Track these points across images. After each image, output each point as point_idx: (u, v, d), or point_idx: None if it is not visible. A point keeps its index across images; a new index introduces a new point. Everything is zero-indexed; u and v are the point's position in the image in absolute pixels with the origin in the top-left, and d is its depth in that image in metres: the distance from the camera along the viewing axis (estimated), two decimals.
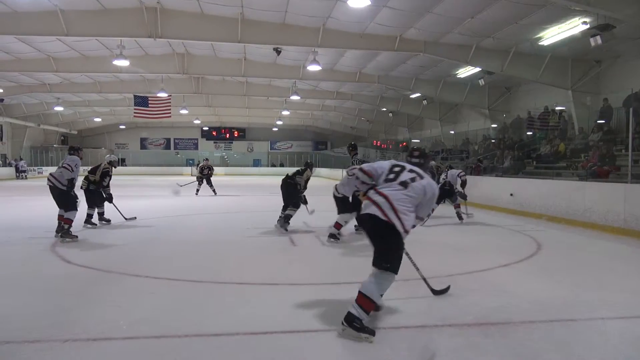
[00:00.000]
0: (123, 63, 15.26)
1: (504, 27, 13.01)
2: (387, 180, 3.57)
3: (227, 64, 19.26)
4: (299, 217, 10.16)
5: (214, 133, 45.47)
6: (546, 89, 16.52)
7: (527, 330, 3.51)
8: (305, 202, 8.53)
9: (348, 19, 13.22)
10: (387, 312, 3.91)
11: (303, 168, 8.57)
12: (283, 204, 8.51)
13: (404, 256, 3.67)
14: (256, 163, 46.40)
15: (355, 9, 11.68)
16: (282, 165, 46.02)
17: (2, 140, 32.28)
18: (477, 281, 4.96)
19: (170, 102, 23.04)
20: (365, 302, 3.34)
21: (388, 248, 3.40)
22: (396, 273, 3.41)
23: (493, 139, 17.99)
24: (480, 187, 12.90)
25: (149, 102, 22.49)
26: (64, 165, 7.30)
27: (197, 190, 16.45)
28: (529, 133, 16.17)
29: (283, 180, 8.53)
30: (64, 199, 7.27)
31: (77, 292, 4.47)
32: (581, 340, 3.35)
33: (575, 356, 3.08)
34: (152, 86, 22.49)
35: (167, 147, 45.36)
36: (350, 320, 3.30)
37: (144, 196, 16.24)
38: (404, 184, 3.47)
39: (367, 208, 3.45)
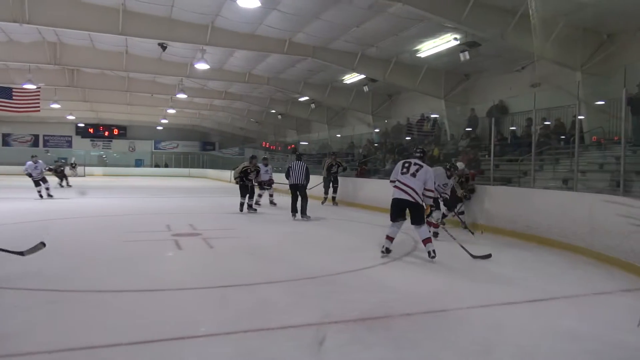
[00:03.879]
0: None
1: (386, 38, 13.81)
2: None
3: (106, 57, 17.96)
4: (186, 219, 9.85)
5: (91, 130, 42.07)
6: (423, 98, 17.82)
7: (406, 322, 3.78)
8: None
9: (238, 19, 13.10)
10: (276, 312, 3.95)
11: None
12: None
13: None
14: (138, 163, 43.84)
15: (245, 9, 11.61)
16: (166, 165, 44.07)
17: None
18: (361, 278, 5.21)
19: (39, 95, 20.89)
20: (429, 240, 5.93)
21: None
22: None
23: (376, 143, 18.97)
24: (365, 188, 13.54)
25: (13, 94, 20.19)
26: None
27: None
28: (407, 138, 17.31)
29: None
30: None
31: None
32: (451, 328, 3.69)
33: (448, 342, 3.38)
34: (17, 76, 20.16)
35: (36, 144, 40.97)
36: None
37: (7, 199, 14.57)
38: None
39: None
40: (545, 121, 12.03)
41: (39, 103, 21.17)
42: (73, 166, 34.27)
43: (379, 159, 16.81)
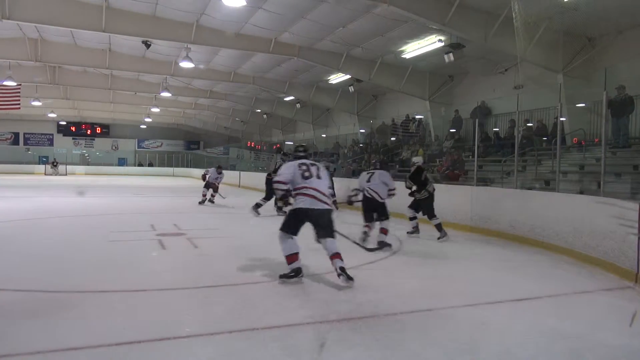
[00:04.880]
0: None
1: (371, 39, 13.86)
2: None
3: (89, 54, 17.73)
4: (171, 219, 9.76)
5: (73, 128, 41.42)
6: (408, 99, 17.93)
7: (390, 321, 3.79)
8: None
9: (223, 18, 13.03)
10: (258, 313, 3.93)
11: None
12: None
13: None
14: (121, 162, 43.33)
15: (230, 8, 11.56)
16: (150, 165, 43.62)
17: None
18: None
19: (19, 92, 20.54)
20: (339, 255, 4.81)
21: None
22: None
23: (361, 144, 19.03)
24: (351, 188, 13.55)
25: None
26: None
27: None
28: (392, 139, 17.41)
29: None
30: None
31: None
32: (436, 328, 3.71)
33: (433, 342, 3.39)
34: None
35: (16, 142, 40.18)
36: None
37: None
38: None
39: None
40: (528, 123, 12.20)
41: (19, 100, 20.82)
42: (54, 165, 33.77)
43: (365, 159, 16.86)
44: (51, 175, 32.65)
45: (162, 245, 6.90)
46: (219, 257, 6.35)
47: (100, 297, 4.39)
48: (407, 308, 4.12)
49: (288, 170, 5.02)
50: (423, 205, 8.02)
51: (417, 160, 8.33)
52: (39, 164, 37.26)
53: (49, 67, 20.68)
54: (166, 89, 21.45)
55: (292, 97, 23.14)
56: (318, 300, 4.29)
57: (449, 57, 12.51)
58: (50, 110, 32.27)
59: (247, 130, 36.10)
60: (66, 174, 34.11)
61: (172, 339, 3.31)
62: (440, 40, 12.78)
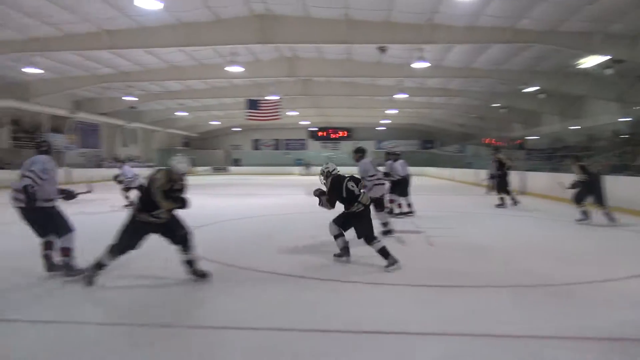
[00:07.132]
0: (236, 69, 16.27)
1: (631, 11, 11.64)
2: None
3: (332, 65, 19.66)
4: (410, 218, 9.98)
5: (323, 133, 46.65)
6: None
7: None
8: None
9: (455, 13, 12.76)
10: (493, 318, 3.71)
11: None
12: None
13: None
14: None
15: (462, 1, 11.25)
16: None
17: (136, 142, 36.14)
18: (601, 292, 4.49)
19: (279, 105, 23.99)
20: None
21: None
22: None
23: (625, 135, 16.13)
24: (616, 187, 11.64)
25: (260, 105, 23.70)
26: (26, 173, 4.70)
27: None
28: None
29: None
30: (49, 219, 4.90)
31: (208, 285, 4.74)
32: None
33: None
34: (262, 90, 23.60)
35: (277, 147, 47.36)
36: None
37: (260, 195, 16.98)
38: None
39: None
40: None
41: (280, 112, 24.30)
42: (307, 166, 38.38)
43: (629, 152, 14.26)
44: (304, 175, 37.19)
45: (400, 241, 7.01)
46: (453, 256, 6.20)
47: (342, 285, 4.78)
48: None
49: (368, 165, 7.42)
50: (363, 222, 5.50)
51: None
52: (294, 165, 42.92)
53: (301, 81, 23.69)
54: (401, 91, 22.16)
55: (533, 88, 21.15)
56: (563, 314, 3.82)
57: None
58: (303, 118, 36.93)
59: (484, 127, 34.51)
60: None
61: (401, 334, 3.40)
62: None
